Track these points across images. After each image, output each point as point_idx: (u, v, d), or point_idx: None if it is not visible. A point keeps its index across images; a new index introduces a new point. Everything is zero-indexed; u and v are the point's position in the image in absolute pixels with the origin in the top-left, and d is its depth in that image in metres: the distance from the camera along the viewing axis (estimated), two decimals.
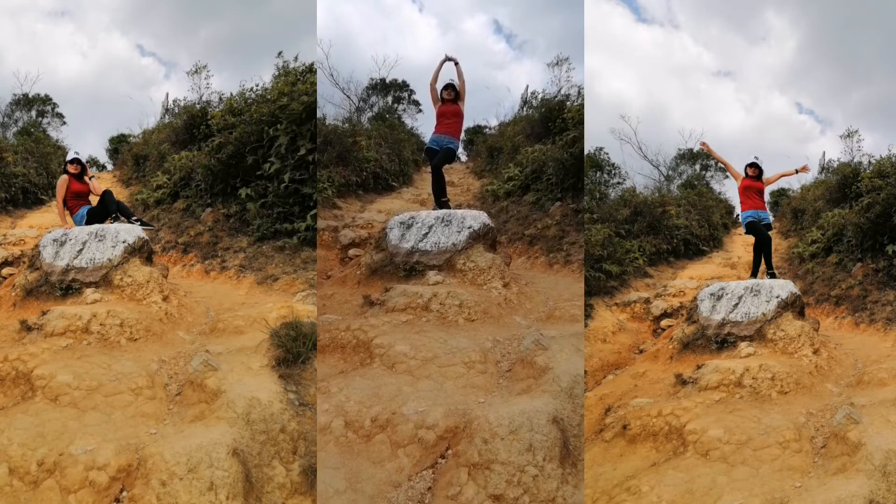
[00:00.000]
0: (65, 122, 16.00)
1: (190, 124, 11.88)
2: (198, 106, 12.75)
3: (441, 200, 8.26)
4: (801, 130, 26.70)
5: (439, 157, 8.29)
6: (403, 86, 17.65)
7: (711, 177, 15.96)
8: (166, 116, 14.44)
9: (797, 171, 8.49)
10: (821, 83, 28.09)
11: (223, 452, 4.36)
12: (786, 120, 27.15)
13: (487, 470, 4.41)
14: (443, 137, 8.34)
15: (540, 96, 14.97)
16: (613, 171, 13.60)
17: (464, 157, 17.42)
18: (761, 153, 8.23)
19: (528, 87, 18.03)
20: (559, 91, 14.03)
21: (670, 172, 15.81)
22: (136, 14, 26.55)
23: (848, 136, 13.89)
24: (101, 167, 16.24)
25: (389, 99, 17.54)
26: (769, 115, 27.41)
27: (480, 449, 4.51)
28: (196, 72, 14.05)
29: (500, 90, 34.03)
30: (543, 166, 11.03)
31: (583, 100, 12.01)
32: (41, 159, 12.18)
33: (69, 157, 7.68)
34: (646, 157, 15.68)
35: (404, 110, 17.60)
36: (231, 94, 10.83)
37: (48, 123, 15.58)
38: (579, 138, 10.47)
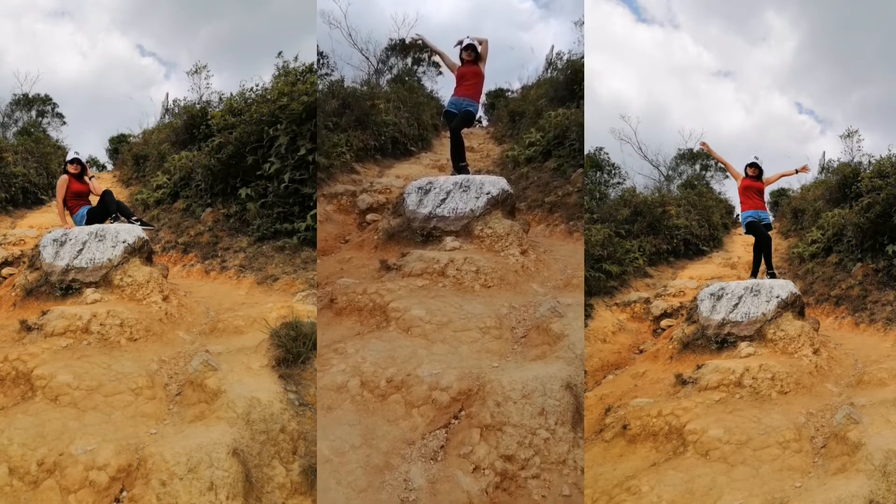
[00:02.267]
0: (65, 122, 16.06)
1: (190, 124, 11.87)
2: (198, 106, 12.75)
3: (459, 165, 8.11)
4: (801, 130, 26.75)
5: (458, 119, 8.06)
6: (424, 47, 16.34)
7: (711, 177, 15.97)
8: (166, 116, 14.45)
9: (797, 171, 8.48)
10: (821, 83, 28.14)
11: (223, 452, 4.36)
12: (786, 120, 27.21)
13: (499, 431, 4.47)
14: (462, 100, 8.08)
15: (566, 57, 14.28)
16: (613, 171, 13.58)
17: (484, 122, 16.69)
18: (761, 153, 8.24)
19: (553, 47, 17.12)
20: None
21: (670, 172, 15.82)
22: (136, 14, 26.60)
23: (848, 136, 13.93)
24: (101, 167, 16.25)
25: (409, 60, 16.84)
26: (769, 115, 27.46)
27: (493, 411, 4.57)
28: (196, 72, 14.08)
29: (524, 52, 32.33)
30: (567, 131, 10.49)
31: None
32: (41, 159, 12.19)
33: (69, 157, 7.68)
34: (646, 157, 15.70)
35: (424, 72, 16.96)
36: (231, 94, 10.83)
37: (48, 123, 15.63)
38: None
